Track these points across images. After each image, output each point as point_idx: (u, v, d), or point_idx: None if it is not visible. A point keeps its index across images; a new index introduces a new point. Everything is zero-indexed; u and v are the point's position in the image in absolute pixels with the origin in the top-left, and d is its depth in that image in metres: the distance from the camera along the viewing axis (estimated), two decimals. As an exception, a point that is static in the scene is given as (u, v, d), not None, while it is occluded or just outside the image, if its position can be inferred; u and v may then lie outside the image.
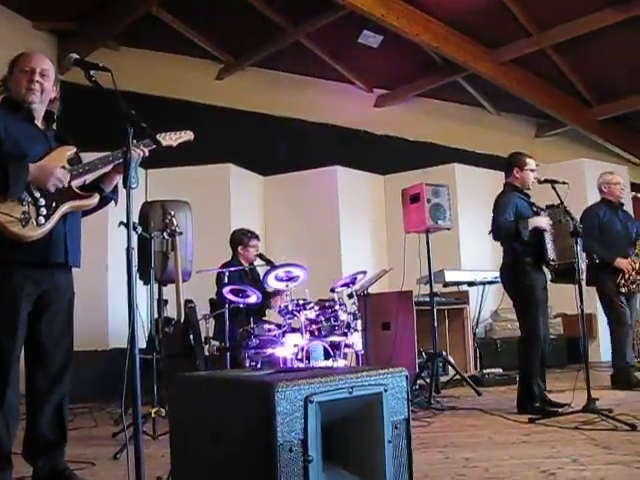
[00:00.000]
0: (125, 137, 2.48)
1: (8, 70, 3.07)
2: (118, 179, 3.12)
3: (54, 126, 3.20)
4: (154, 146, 2.97)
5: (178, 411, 1.95)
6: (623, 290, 5.83)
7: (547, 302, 4.99)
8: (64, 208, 2.90)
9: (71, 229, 3.03)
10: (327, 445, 1.64)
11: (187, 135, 3.30)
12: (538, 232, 4.78)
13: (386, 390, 1.78)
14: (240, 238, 6.31)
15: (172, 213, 4.49)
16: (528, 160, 5.08)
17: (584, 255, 5.60)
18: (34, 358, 3.05)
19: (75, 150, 3.10)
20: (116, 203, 3.20)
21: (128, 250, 2.44)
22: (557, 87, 10.08)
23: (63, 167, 2.95)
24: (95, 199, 3.02)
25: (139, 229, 4.09)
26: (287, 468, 1.58)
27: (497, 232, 4.92)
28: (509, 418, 4.51)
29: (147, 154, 2.97)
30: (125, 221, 3.86)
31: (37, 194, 2.83)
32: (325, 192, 8.91)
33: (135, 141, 2.71)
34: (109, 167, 3.07)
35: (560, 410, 4.49)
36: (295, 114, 10.37)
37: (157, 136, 3.01)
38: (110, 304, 7.48)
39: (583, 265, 4.96)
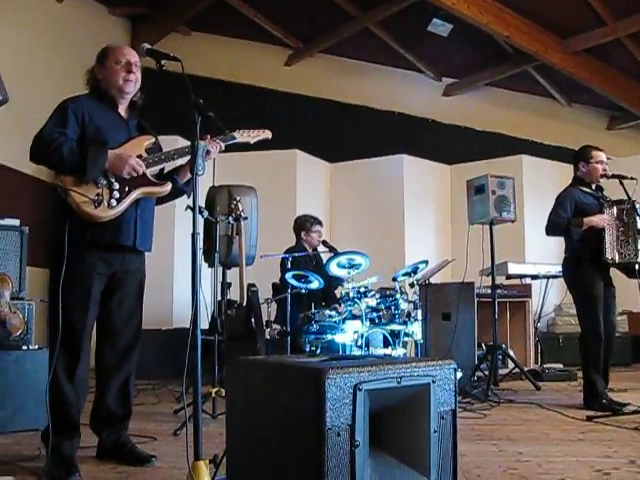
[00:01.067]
0: (193, 125, 2.56)
1: (98, 62, 3.21)
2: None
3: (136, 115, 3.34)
4: (232, 141, 3.09)
5: (234, 393, 2.03)
6: None
7: (612, 299, 4.87)
8: (136, 193, 3.03)
9: (142, 214, 3.15)
10: (374, 432, 1.70)
11: (265, 134, 3.42)
12: (598, 229, 4.72)
13: (434, 381, 1.83)
14: (303, 224, 6.39)
15: (238, 198, 4.58)
16: (594, 153, 4.99)
17: None
18: (104, 336, 3.20)
19: (154, 140, 3.23)
20: (189, 196, 3.30)
21: (193, 235, 2.53)
22: (631, 78, 9.78)
23: (139, 156, 3.07)
24: (167, 187, 3.13)
25: (205, 213, 4.23)
26: (334, 452, 1.65)
27: (548, 228, 4.95)
28: (567, 414, 4.47)
29: (223, 148, 3.09)
30: (192, 205, 4.00)
31: (112, 179, 2.96)
32: (391, 180, 8.92)
33: (209, 135, 2.82)
34: (185, 159, 3.18)
35: (622, 409, 4.43)
36: (362, 101, 10.37)
37: (235, 132, 3.16)
38: (175, 286, 7.69)
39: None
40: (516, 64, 9.76)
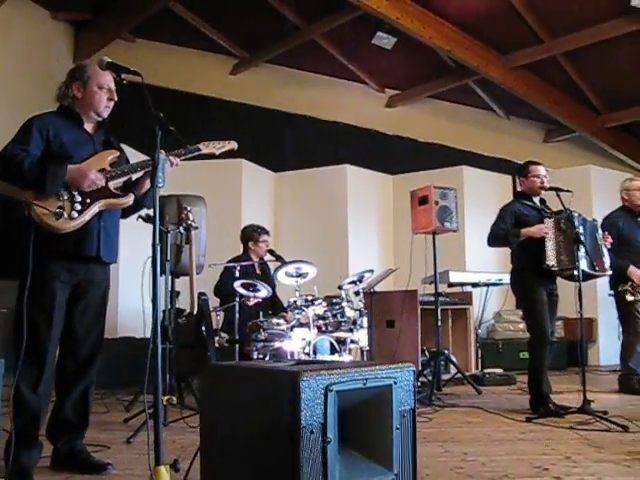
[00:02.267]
0: (154, 138, 2.63)
1: (76, 79, 3.26)
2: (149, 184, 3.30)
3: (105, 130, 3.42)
4: (198, 152, 3.18)
5: (208, 397, 2.12)
6: (629, 298, 5.86)
7: (554, 306, 5.09)
8: (98, 205, 3.10)
9: (106, 226, 3.22)
10: (342, 429, 1.83)
11: (230, 144, 3.49)
12: (538, 238, 4.93)
13: (396, 383, 1.98)
14: (251, 234, 6.46)
15: (188, 208, 4.64)
16: (532, 167, 5.24)
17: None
18: (66, 344, 3.23)
19: (118, 154, 3.31)
20: (148, 207, 3.37)
21: (154, 245, 2.60)
22: (566, 94, 10.18)
23: (102, 169, 3.15)
24: (129, 198, 3.21)
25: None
26: (308, 448, 1.77)
27: (489, 239, 5.21)
28: (507, 416, 4.67)
29: (179, 164, 3.20)
30: (144, 216, 4.05)
31: (74, 191, 3.04)
32: (334, 190, 9.06)
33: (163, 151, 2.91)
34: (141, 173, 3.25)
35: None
36: (307, 111, 10.51)
37: (201, 144, 3.30)
38: (121, 295, 7.64)
39: (594, 271, 5.04)
40: (457, 77, 10.04)
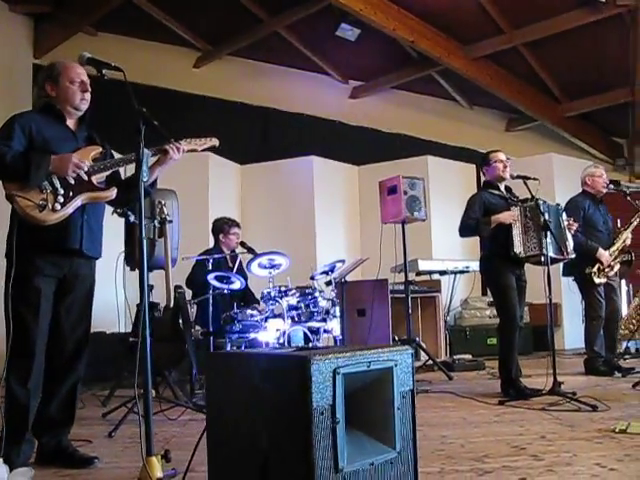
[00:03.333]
0: (138, 133, 2.66)
1: (48, 79, 3.27)
2: (157, 174, 3.39)
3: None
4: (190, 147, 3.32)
5: (214, 385, 2.17)
6: (596, 281, 6.02)
7: (523, 292, 5.21)
8: (81, 198, 3.11)
9: (89, 220, 3.24)
10: (349, 410, 1.90)
11: (212, 142, 3.52)
12: (506, 226, 5.05)
13: (396, 365, 2.07)
14: (221, 226, 6.48)
15: (163, 202, 4.64)
16: (492, 155, 5.38)
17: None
18: (52, 340, 3.21)
19: (101, 150, 3.32)
20: (153, 197, 3.41)
21: (140, 240, 2.62)
22: (528, 83, 10.38)
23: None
24: (112, 192, 3.22)
25: (132, 217, 4.26)
26: (319, 429, 1.84)
27: (460, 230, 5.30)
28: (480, 400, 4.79)
29: (185, 151, 3.34)
30: (119, 210, 4.05)
31: (57, 184, 3.04)
32: (301, 181, 9.12)
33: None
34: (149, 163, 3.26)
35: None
36: (272, 104, 10.52)
37: (183, 141, 3.33)
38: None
39: (561, 256, 5.18)
40: (420, 68, 10.17)
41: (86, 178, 3.12)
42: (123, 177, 3.49)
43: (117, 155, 3.43)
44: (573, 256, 5.32)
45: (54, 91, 3.25)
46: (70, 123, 3.32)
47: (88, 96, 3.29)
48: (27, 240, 3.01)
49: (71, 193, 3.07)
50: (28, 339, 3.03)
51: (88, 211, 3.21)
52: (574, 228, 5.46)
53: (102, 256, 3.44)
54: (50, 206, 2.99)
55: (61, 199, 3.03)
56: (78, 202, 3.09)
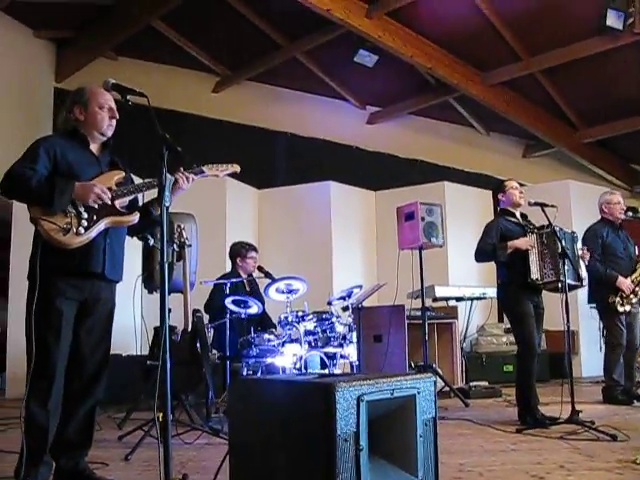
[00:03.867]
0: (161, 159, 2.69)
1: (77, 102, 3.32)
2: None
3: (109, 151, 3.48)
4: (202, 175, 3.31)
5: (237, 410, 2.18)
6: (620, 309, 5.98)
7: (540, 318, 5.19)
8: (104, 222, 3.16)
9: (112, 244, 3.27)
10: (372, 437, 1.91)
11: (233, 168, 3.56)
12: (523, 253, 5.05)
13: (419, 393, 2.07)
14: (239, 250, 6.51)
15: (182, 226, 4.68)
16: (506, 182, 5.45)
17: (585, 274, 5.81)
18: (71, 363, 3.23)
19: (124, 175, 3.37)
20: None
21: (162, 265, 2.65)
22: (545, 110, 10.41)
23: (109, 188, 3.20)
24: (135, 217, 3.26)
25: (151, 240, 4.30)
26: (343, 455, 1.85)
27: (476, 254, 5.31)
28: (497, 428, 4.75)
29: (196, 180, 3.30)
30: (140, 234, 4.08)
31: (81, 209, 3.09)
32: (318, 206, 9.13)
33: (181, 168, 2.99)
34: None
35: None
36: (289, 129, 10.62)
37: (205, 167, 3.37)
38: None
39: (576, 283, 5.18)
40: (438, 94, 10.24)
41: (109, 202, 3.15)
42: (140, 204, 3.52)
43: (137, 180, 3.47)
44: (585, 284, 5.31)
45: (82, 115, 3.30)
46: (93, 148, 3.37)
47: (114, 122, 3.35)
48: (50, 263, 3.05)
49: (95, 217, 3.11)
50: (49, 361, 3.05)
51: (111, 235, 3.25)
52: (587, 257, 5.48)
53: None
54: (74, 230, 3.03)
55: (85, 223, 3.07)
56: (102, 226, 3.14)
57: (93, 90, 3.34)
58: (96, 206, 3.11)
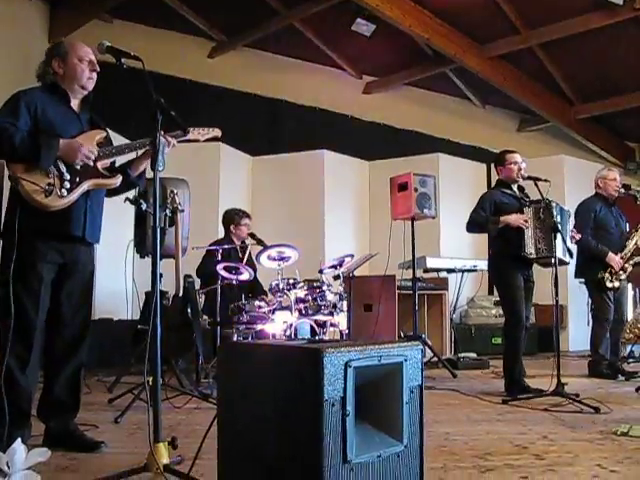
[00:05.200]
0: (155, 123, 2.68)
1: (56, 55, 3.25)
2: (145, 165, 3.35)
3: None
4: (184, 137, 3.18)
5: (228, 375, 2.20)
6: (609, 285, 6.02)
7: (530, 293, 5.24)
8: (87, 184, 3.10)
9: (92, 206, 3.22)
10: (358, 403, 1.94)
11: (215, 132, 3.51)
12: (517, 227, 5.06)
13: (406, 360, 2.11)
14: (232, 217, 6.51)
15: (175, 191, 4.67)
16: (508, 155, 5.38)
17: (575, 247, 5.87)
18: (53, 326, 3.22)
19: (105, 134, 3.31)
20: (141, 188, 3.41)
21: (154, 229, 2.66)
22: (541, 84, 10.39)
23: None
24: (117, 179, 3.22)
25: (144, 205, 4.29)
26: (330, 420, 1.88)
27: (468, 225, 5.33)
28: (483, 399, 4.82)
29: (176, 145, 3.17)
30: (131, 198, 4.08)
31: (63, 169, 3.03)
32: (311, 175, 9.13)
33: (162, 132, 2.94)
34: (136, 152, 3.28)
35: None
36: (285, 96, 10.54)
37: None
38: (98, 276, 7.62)
39: (567, 259, 5.22)
40: (435, 65, 10.20)
41: (92, 163, 3.11)
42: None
43: (120, 139, 3.43)
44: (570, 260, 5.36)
45: (62, 68, 3.23)
46: (74, 104, 3.29)
47: (95, 75, 3.27)
48: (30, 224, 2.97)
49: (78, 179, 3.06)
50: (27, 327, 3.02)
51: (91, 197, 3.20)
52: (577, 238, 5.66)
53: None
54: (57, 191, 2.97)
55: (67, 184, 3.02)
56: (84, 188, 3.08)
57: (72, 43, 3.28)
58: (79, 167, 3.06)
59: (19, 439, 2.37)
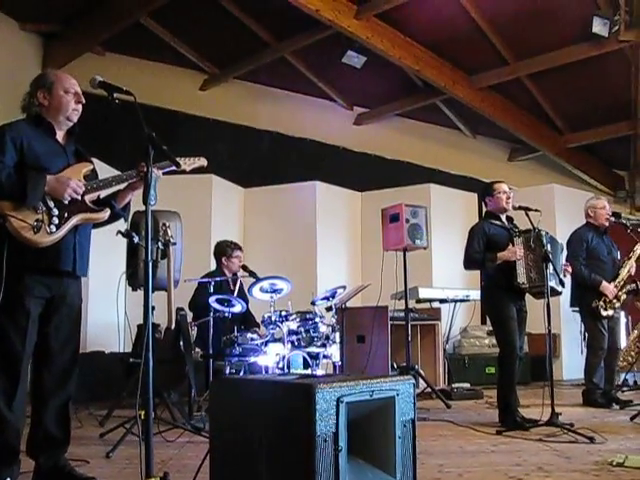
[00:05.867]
0: (147, 157, 2.69)
1: (41, 87, 3.22)
2: (130, 197, 3.33)
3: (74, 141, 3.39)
4: (170, 168, 3.17)
5: (219, 409, 2.19)
6: (603, 313, 6.02)
7: (523, 321, 5.22)
8: (75, 219, 3.09)
9: (81, 240, 3.21)
10: (351, 438, 1.93)
11: (200, 161, 3.50)
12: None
13: (398, 394, 2.10)
14: (224, 249, 6.50)
15: (167, 224, 4.68)
16: (496, 186, 5.39)
17: (569, 277, 5.89)
18: (41, 360, 3.18)
19: (92, 167, 3.30)
20: (126, 220, 3.41)
21: (146, 262, 2.65)
22: (530, 114, 10.50)
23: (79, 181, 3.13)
24: (106, 213, 3.21)
25: (136, 238, 4.29)
26: (322, 456, 1.88)
27: (465, 263, 5.32)
28: (478, 429, 4.79)
29: (161, 176, 3.15)
30: (123, 231, 4.08)
31: (51, 204, 3.01)
32: (304, 206, 9.14)
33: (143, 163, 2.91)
34: (123, 185, 3.27)
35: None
36: (276, 128, 10.60)
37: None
38: (90, 309, 7.60)
39: (559, 288, 5.22)
40: (425, 96, 10.30)
41: (80, 197, 3.09)
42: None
43: (111, 170, 3.42)
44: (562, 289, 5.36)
45: (47, 100, 3.20)
46: (59, 136, 3.28)
47: (80, 107, 3.26)
48: (18, 260, 2.95)
49: (66, 214, 3.04)
50: (14, 362, 2.98)
51: (79, 231, 3.18)
52: (569, 271, 5.70)
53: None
54: (46, 228, 2.95)
55: (56, 220, 3.00)
56: (72, 223, 3.07)
57: (57, 74, 3.27)
58: (66, 201, 3.04)
59: (8, 479, 2.33)
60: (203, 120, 10.26)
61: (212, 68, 10.31)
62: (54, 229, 3.00)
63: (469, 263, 5.29)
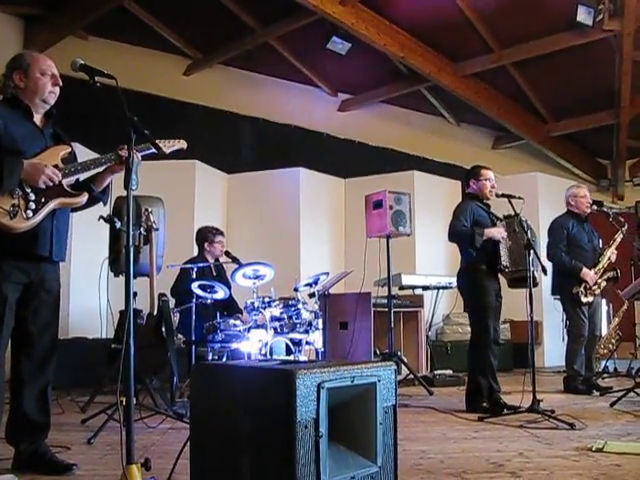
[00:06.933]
0: (128, 141, 2.67)
1: (17, 68, 3.17)
2: (109, 180, 3.30)
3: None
4: (149, 151, 3.13)
5: (200, 396, 2.18)
6: (583, 300, 6.08)
7: (500, 308, 5.22)
8: (53, 204, 3.05)
9: (58, 225, 3.17)
10: (332, 424, 1.93)
11: (180, 144, 3.43)
12: (494, 240, 5.07)
13: (379, 380, 2.10)
14: (206, 235, 6.48)
15: (150, 209, 4.64)
16: (483, 171, 5.36)
17: (550, 265, 5.92)
18: (19, 345, 3.16)
19: (70, 150, 3.25)
20: (105, 203, 3.37)
21: (128, 248, 2.63)
22: (515, 102, 10.53)
23: (55, 166, 3.07)
24: (84, 198, 3.16)
25: (118, 223, 4.25)
26: (303, 442, 1.87)
27: (451, 234, 5.19)
28: (459, 416, 4.82)
29: (140, 159, 3.09)
30: (105, 217, 4.05)
31: (28, 189, 2.96)
32: (287, 192, 9.11)
33: (125, 147, 2.86)
34: (102, 168, 3.23)
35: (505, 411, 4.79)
36: (260, 114, 10.55)
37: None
38: (72, 295, 7.55)
39: (537, 274, 5.23)
40: (410, 83, 10.28)
41: (59, 181, 3.05)
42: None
43: (88, 152, 3.37)
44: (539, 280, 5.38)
45: (23, 82, 3.15)
46: (37, 119, 3.23)
47: (57, 90, 3.22)
48: None
49: (43, 199, 3.00)
50: None
51: (57, 215, 3.14)
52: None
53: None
54: (22, 213, 2.91)
55: (32, 205, 2.96)
56: (50, 208, 3.03)
57: (34, 55, 3.22)
58: (43, 186, 3.00)
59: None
60: (186, 105, 10.18)
61: (196, 53, 10.24)
62: (31, 214, 2.96)
63: (456, 235, 5.15)
